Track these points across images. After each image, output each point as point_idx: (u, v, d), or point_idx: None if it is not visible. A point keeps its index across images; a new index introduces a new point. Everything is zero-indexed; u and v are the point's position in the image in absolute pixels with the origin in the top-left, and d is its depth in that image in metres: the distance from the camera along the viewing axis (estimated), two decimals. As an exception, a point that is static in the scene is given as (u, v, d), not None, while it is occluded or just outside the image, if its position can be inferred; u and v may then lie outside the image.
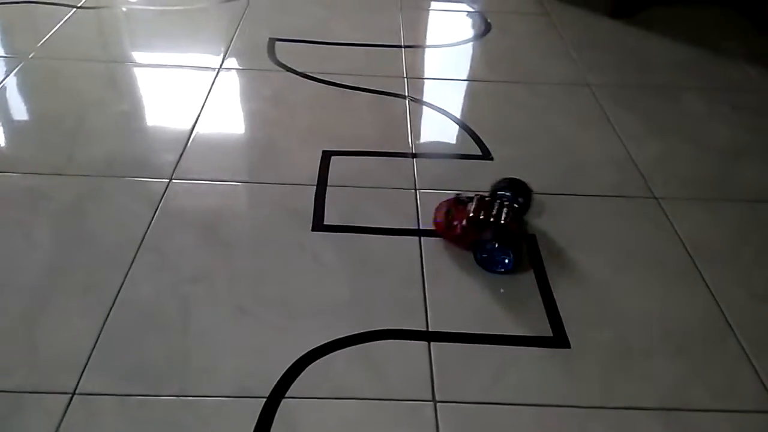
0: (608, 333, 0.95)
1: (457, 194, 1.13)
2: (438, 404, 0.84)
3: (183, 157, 1.28)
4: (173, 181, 1.21)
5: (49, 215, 1.12)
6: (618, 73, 1.69)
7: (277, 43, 1.74)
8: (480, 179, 1.25)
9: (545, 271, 1.06)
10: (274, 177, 1.24)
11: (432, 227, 1.11)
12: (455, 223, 1.08)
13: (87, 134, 1.34)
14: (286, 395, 0.83)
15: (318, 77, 1.59)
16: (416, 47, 1.77)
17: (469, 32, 1.88)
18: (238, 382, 0.85)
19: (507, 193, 1.15)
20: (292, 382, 0.85)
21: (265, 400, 0.82)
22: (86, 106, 1.43)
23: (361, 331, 0.93)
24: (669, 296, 1.03)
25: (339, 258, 1.06)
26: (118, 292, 0.97)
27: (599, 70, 1.69)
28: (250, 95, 1.52)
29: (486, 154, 1.34)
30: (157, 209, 1.13)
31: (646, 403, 0.85)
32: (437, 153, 1.35)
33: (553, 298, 1.00)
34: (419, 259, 1.07)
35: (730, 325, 0.98)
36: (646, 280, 1.05)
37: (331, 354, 0.89)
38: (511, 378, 0.88)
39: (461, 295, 1.00)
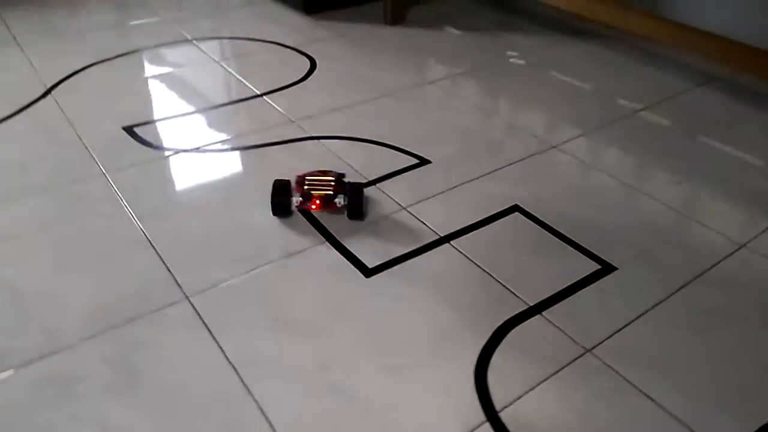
0: (626, 249, 1.22)
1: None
2: (593, 350, 1.00)
3: (173, 271, 1.13)
4: (191, 297, 1.08)
5: (98, 395, 0.90)
6: (447, 67, 1.99)
7: (136, 128, 1.58)
8: (437, 181, 1.40)
9: (549, 226, 1.28)
10: (277, 251, 1.19)
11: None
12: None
13: (32, 299, 1.07)
14: (498, 411, 0.90)
15: (215, 149, 1.51)
16: (271, 93, 1.79)
17: (302, 66, 1.97)
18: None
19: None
20: (489, 399, 0.91)
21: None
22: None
23: (488, 336, 1.02)
24: (630, 208, 1.35)
25: (405, 287, 1.11)
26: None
27: (423, 70, 1.97)
28: (175, 186, 1.37)
29: (423, 160, 1.49)
30: (208, 329, 1.01)
31: (692, 273, 1.15)
32: (388, 173, 1.44)
33: (575, 242, 1.23)
34: (464, 258, 1.18)
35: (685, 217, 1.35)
36: (604, 206, 1.36)
37: (491, 362, 0.97)
38: (611, 306, 1.08)
39: (521, 270, 1.16)
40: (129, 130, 1.58)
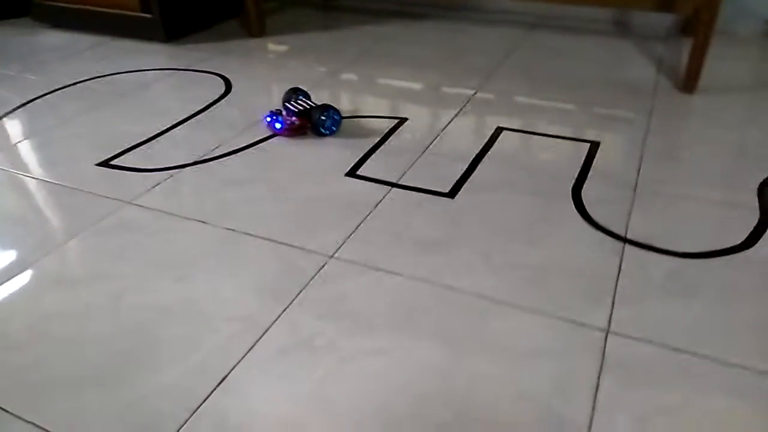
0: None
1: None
2: None
3: (298, 245, 1.15)
4: (333, 256, 1.12)
5: (335, 343, 0.94)
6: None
7: (112, 161, 1.47)
8: (410, 136, 1.62)
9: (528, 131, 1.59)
10: (364, 206, 1.28)
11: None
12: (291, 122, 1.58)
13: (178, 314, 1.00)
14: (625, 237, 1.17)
15: (215, 156, 1.49)
16: (212, 105, 1.79)
17: (215, 81, 1.97)
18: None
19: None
20: (611, 231, 1.18)
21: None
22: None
23: (570, 199, 1.29)
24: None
25: (486, 194, 1.31)
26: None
27: (316, 66, 2.14)
28: (216, 192, 1.33)
29: (401, 119, 1.68)
30: (373, 267, 1.08)
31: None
32: (380, 140, 1.60)
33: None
34: (503, 160, 1.42)
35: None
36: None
37: (587, 212, 1.24)
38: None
39: (541, 160, 1.45)
40: (105, 164, 1.46)
